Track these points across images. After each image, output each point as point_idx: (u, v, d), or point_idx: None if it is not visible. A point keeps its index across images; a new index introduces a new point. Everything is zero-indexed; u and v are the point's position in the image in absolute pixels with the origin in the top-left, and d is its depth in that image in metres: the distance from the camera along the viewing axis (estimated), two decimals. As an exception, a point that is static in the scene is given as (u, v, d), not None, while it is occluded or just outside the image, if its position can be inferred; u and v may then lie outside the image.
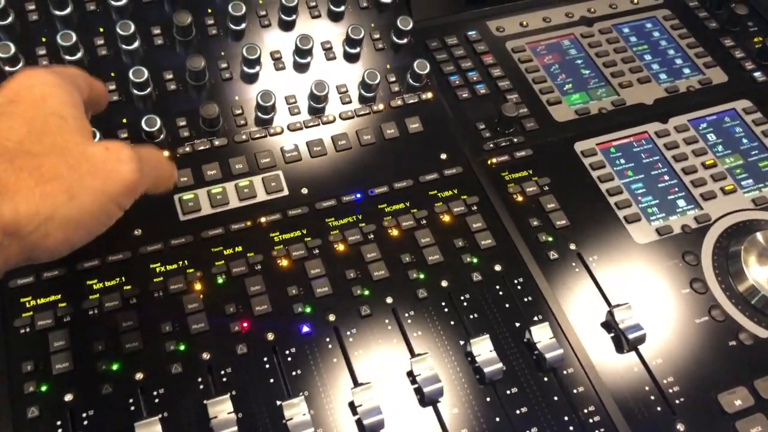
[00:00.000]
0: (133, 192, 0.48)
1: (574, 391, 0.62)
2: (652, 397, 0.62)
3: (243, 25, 0.76)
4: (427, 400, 0.59)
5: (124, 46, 0.72)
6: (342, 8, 0.79)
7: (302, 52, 0.75)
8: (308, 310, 0.64)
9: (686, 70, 0.88)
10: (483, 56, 0.85)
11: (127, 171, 0.47)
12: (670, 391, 0.63)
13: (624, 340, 0.64)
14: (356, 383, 0.60)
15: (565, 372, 0.63)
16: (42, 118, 0.46)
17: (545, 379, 0.62)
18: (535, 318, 0.65)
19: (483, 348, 0.62)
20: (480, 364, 0.61)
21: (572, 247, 0.71)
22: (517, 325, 0.65)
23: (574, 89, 0.84)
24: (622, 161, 0.78)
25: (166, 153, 0.62)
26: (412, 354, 0.62)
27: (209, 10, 0.76)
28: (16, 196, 0.42)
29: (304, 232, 0.69)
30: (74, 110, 0.48)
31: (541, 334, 0.63)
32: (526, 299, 0.67)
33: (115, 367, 0.59)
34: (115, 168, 0.46)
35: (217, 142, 0.71)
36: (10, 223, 0.41)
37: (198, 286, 0.64)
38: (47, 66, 0.58)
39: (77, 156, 0.45)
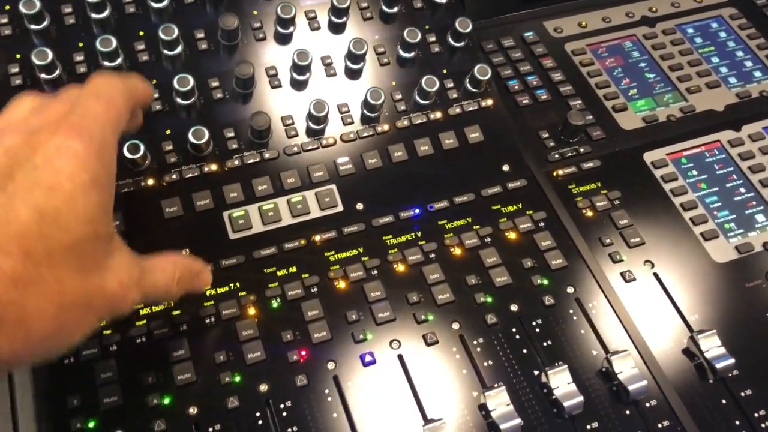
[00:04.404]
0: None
1: (659, 425, 0.58)
2: (744, 433, 0.58)
3: (291, 29, 0.71)
4: (504, 437, 0.55)
5: (166, 52, 0.67)
6: (395, 9, 0.74)
7: (355, 57, 0.70)
8: (369, 336, 0.59)
9: (757, 73, 0.82)
10: (542, 59, 0.80)
11: (125, 310, 0.45)
12: (763, 425, 0.58)
13: (710, 370, 0.60)
14: (426, 419, 0.55)
15: (647, 404, 0.58)
16: (75, 230, 0.40)
17: (627, 412, 0.58)
18: (613, 345, 0.61)
19: (561, 380, 0.57)
20: (558, 398, 0.56)
21: (648, 266, 0.66)
22: (594, 353, 0.60)
23: (639, 95, 0.79)
24: (695, 173, 0.73)
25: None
26: (484, 385, 0.57)
27: (255, 12, 0.72)
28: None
29: (361, 251, 0.64)
30: (105, 213, 0.43)
31: (622, 365, 0.58)
32: (601, 324, 0.62)
33: (167, 401, 0.55)
34: (118, 307, 0.44)
35: (267, 155, 0.67)
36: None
37: (252, 311, 0.60)
38: (82, 92, 0.46)
39: (97, 285, 0.41)
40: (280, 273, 0.62)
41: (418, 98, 0.71)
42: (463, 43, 0.74)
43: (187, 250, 0.62)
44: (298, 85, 0.70)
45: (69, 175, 0.40)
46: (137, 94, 0.51)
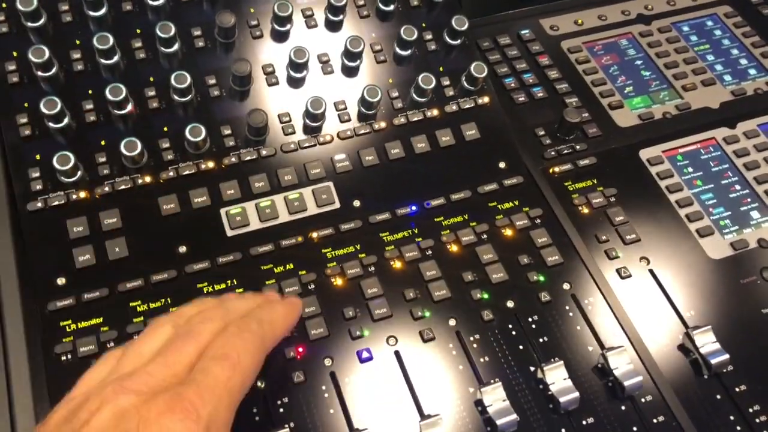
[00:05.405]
0: None
1: (654, 420, 0.58)
2: (738, 428, 0.58)
3: (288, 26, 0.71)
4: (500, 432, 0.55)
5: (163, 49, 0.68)
6: (392, 7, 0.74)
7: (352, 54, 0.70)
8: (366, 333, 0.60)
9: (752, 71, 0.83)
10: (538, 57, 0.80)
11: None
12: (757, 420, 0.58)
13: (705, 366, 0.60)
14: (422, 415, 0.56)
15: (643, 400, 0.59)
16: None
17: (623, 407, 0.58)
18: (609, 341, 0.61)
19: (557, 375, 0.57)
20: (554, 393, 0.56)
21: (644, 263, 0.66)
22: (590, 349, 0.61)
23: (635, 92, 0.79)
24: (690, 170, 0.74)
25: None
26: (480, 381, 0.58)
27: (251, 10, 0.72)
28: None
29: (358, 247, 0.64)
30: None
31: (618, 360, 0.58)
32: (597, 320, 0.62)
33: (164, 397, 0.55)
34: None
35: (264, 152, 0.67)
36: None
37: (249, 308, 0.60)
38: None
39: None
40: (277, 270, 0.62)
41: (414, 96, 0.71)
42: (459, 41, 0.74)
43: (184, 247, 0.62)
44: (295, 83, 0.70)
45: None
46: (274, 340, 0.49)
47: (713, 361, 0.59)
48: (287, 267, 0.63)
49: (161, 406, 0.40)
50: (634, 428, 0.57)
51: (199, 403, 0.40)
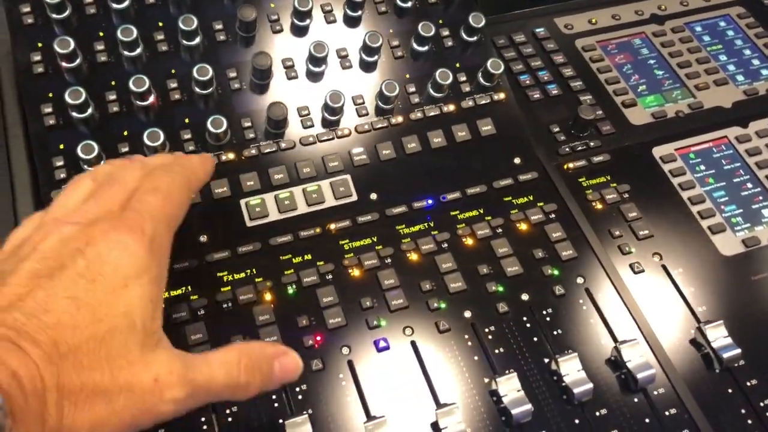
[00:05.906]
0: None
1: (666, 413, 0.59)
2: (749, 421, 0.59)
3: (308, 21, 0.72)
4: (514, 422, 0.56)
5: (185, 42, 0.69)
6: (409, 4, 0.75)
7: (370, 50, 0.71)
8: (383, 323, 0.61)
9: (764, 71, 0.84)
10: (553, 55, 0.81)
11: (166, 410, 0.41)
12: (768, 414, 0.59)
13: (716, 360, 0.61)
14: (438, 403, 0.56)
15: (655, 392, 0.60)
16: (111, 322, 0.39)
17: (635, 399, 0.59)
18: (622, 334, 0.62)
19: (571, 367, 0.58)
20: (568, 384, 0.57)
21: (656, 259, 0.67)
22: (603, 342, 0.62)
23: (648, 91, 0.80)
24: (702, 168, 0.74)
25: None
26: (495, 372, 0.59)
27: (272, 5, 0.73)
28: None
29: (375, 239, 0.65)
30: (150, 308, 0.42)
31: (631, 353, 0.59)
32: (610, 314, 0.63)
33: (185, 382, 0.56)
34: (155, 406, 0.40)
35: (283, 145, 0.68)
36: None
37: (268, 297, 0.61)
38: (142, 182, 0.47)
39: (124, 381, 0.39)
40: (295, 260, 0.63)
41: (431, 91, 0.72)
42: (475, 38, 0.75)
43: (205, 236, 0.63)
44: (314, 77, 0.71)
45: (114, 268, 0.40)
46: (197, 182, 0.53)
47: (725, 355, 0.60)
48: (305, 257, 0.64)
49: (105, 226, 0.42)
50: (647, 420, 0.58)
51: (141, 221, 0.43)
